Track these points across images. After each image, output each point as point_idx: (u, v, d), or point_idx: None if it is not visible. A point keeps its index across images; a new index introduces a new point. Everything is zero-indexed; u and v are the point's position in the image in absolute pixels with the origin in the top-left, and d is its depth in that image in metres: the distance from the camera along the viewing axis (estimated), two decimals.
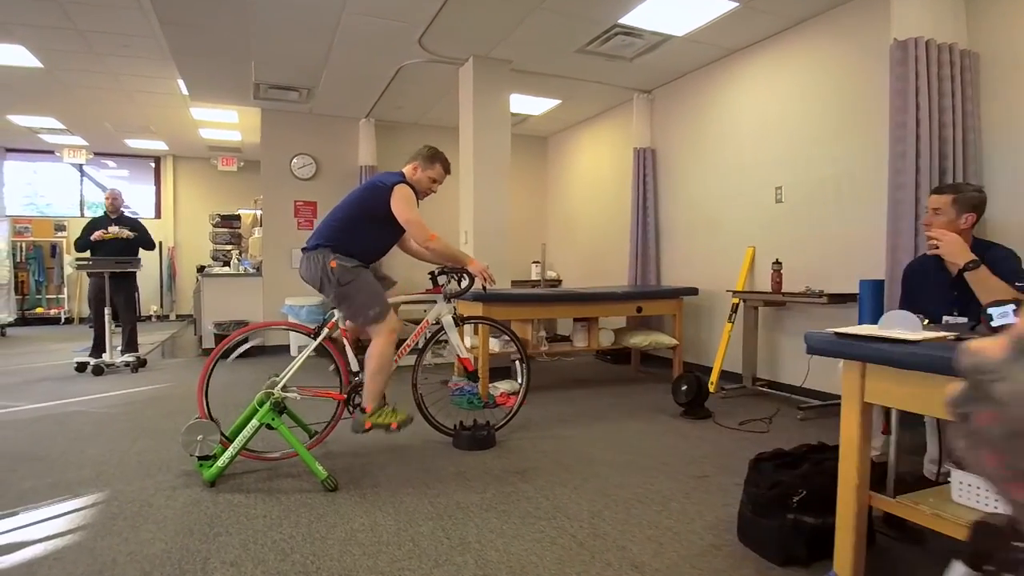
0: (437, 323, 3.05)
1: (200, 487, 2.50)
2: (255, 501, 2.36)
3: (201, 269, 7.53)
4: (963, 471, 1.58)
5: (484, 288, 3.01)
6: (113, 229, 5.28)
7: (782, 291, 4.07)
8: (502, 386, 4.34)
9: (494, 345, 4.29)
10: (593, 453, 3.01)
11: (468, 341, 4.19)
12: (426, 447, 3.09)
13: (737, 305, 4.47)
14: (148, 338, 7.48)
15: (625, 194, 5.94)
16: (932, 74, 3.10)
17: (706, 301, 5.04)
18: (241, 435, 2.55)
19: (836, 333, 1.65)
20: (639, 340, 4.71)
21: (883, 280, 3.56)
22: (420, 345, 3.11)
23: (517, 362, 3.49)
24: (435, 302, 3.05)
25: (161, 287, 10.05)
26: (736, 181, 4.77)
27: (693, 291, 4.85)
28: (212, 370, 2.67)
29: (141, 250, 5.54)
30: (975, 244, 2.25)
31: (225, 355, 2.72)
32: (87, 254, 5.32)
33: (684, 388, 3.72)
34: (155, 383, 4.77)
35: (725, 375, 4.47)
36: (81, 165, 9.54)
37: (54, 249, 9.35)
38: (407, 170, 2.93)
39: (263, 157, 6.54)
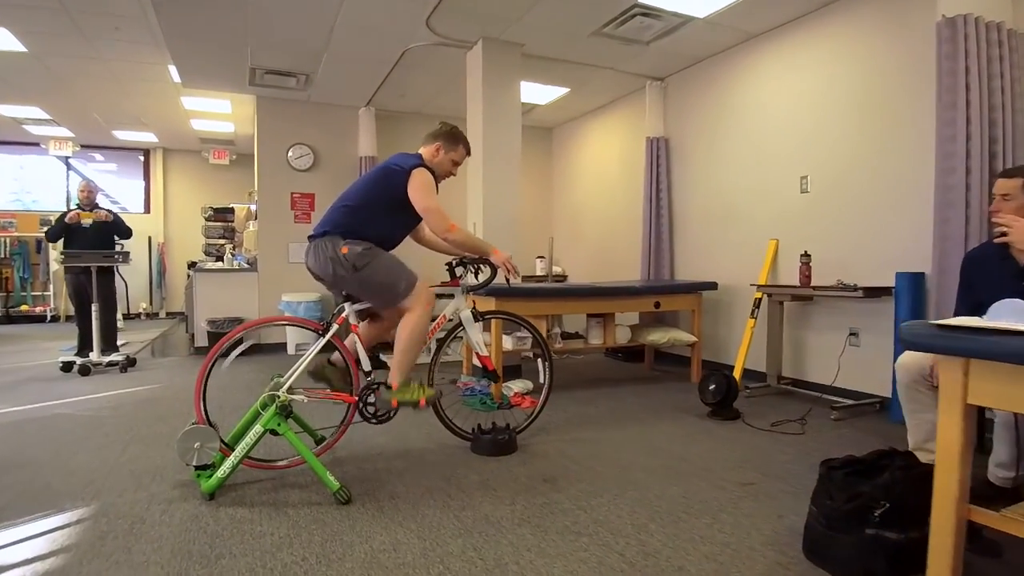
0: (454, 319, 2.82)
1: (198, 500, 2.26)
2: (260, 516, 2.13)
3: (192, 265, 7.23)
4: None
5: (507, 280, 2.79)
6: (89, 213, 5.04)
7: (811, 285, 3.87)
8: (515, 386, 4.12)
9: (507, 342, 4.08)
10: (624, 458, 2.79)
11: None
12: (443, 452, 2.86)
13: (760, 300, 4.27)
14: (137, 336, 7.21)
15: (635, 186, 5.73)
16: (982, 53, 2.93)
17: (724, 296, 4.83)
18: (244, 442, 2.31)
19: (937, 325, 1.45)
20: (657, 337, 4.50)
21: (922, 273, 3.39)
22: (432, 346, 2.87)
23: (539, 360, 3.27)
24: (452, 296, 2.83)
25: (151, 284, 9.75)
26: (756, 171, 4.57)
27: (712, 285, 4.65)
28: (210, 371, 2.43)
29: (124, 242, 5.27)
30: None
31: (224, 355, 2.47)
32: (72, 249, 5.03)
33: (712, 387, 3.51)
34: (146, 384, 4.50)
35: (747, 373, 4.27)
36: (67, 158, 9.19)
37: (39, 245, 8.99)
38: (426, 152, 2.69)
39: (259, 147, 6.27)
